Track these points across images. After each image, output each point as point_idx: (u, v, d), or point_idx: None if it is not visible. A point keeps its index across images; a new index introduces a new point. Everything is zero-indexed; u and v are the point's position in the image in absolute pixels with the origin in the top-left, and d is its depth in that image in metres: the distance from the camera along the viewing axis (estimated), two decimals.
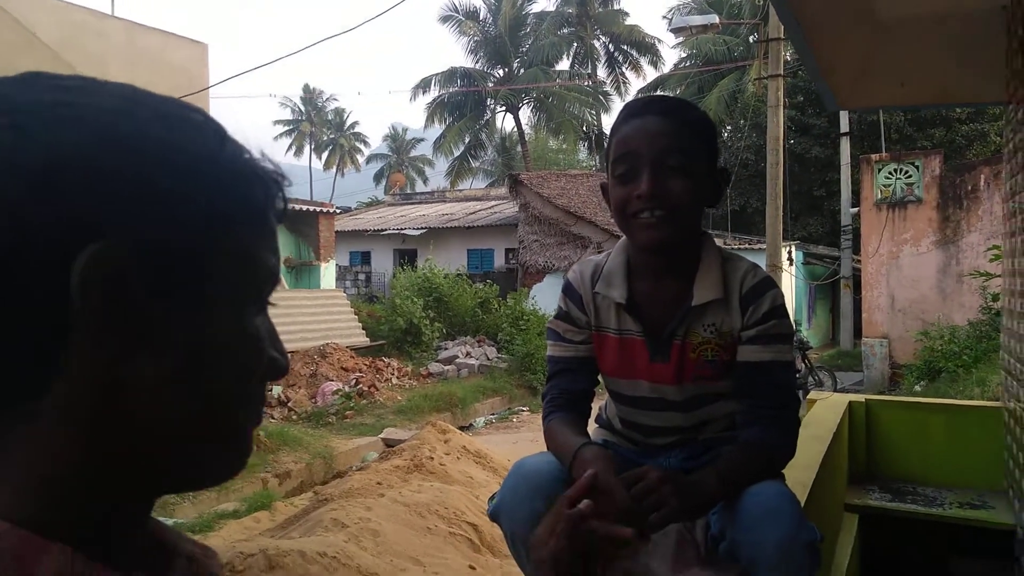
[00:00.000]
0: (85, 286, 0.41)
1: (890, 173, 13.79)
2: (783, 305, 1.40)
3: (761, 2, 22.11)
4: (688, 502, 1.20)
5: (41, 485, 0.43)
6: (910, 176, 13.67)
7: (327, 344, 13.42)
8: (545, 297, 17.97)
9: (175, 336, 0.45)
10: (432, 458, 6.53)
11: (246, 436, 0.52)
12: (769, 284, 1.40)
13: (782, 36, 12.61)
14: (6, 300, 0.41)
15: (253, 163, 0.51)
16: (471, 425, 11.95)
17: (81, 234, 0.41)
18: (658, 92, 29.91)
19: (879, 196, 13.86)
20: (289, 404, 11.16)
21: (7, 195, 0.41)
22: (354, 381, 12.39)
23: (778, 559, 1.18)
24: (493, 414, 12.95)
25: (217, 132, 0.50)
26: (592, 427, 1.58)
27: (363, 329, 16.39)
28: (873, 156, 14.46)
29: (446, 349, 15.80)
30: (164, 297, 0.45)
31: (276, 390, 11.33)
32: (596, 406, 1.59)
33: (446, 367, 14.64)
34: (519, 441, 9.99)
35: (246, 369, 0.50)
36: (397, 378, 13.64)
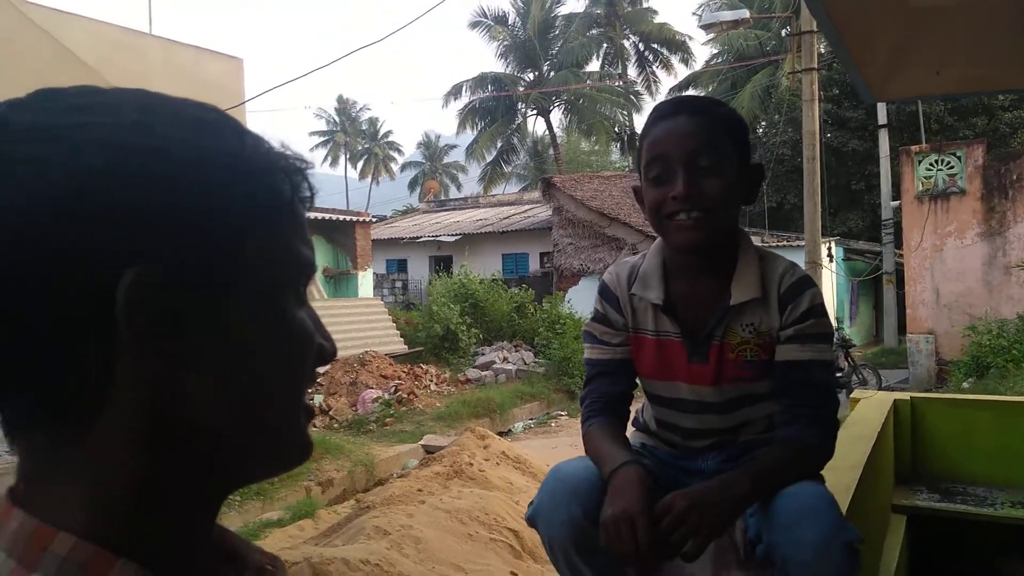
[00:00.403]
0: (129, 309, 0.42)
1: (931, 164, 13.47)
2: (822, 304, 1.39)
3: None
4: (719, 519, 1.18)
5: (102, 500, 0.44)
6: (952, 167, 13.34)
7: (366, 352, 13.56)
8: (581, 300, 17.91)
9: (220, 342, 0.46)
10: (472, 464, 6.55)
11: (303, 427, 0.53)
12: (807, 283, 1.39)
13: (814, 29, 12.41)
14: (51, 328, 0.42)
15: (274, 155, 0.51)
16: (510, 430, 11.95)
17: (117, 258, 0.42)
18: (690, 89, 29.68)
19: (920, 188, 13.55)
20: (330, 412, 11.30)
21: (36, 226, 0.41)
22: (393, 388, 12.49)
23: (815, 560, 1.16)
24: (531, 419, 12.94)
25: (235, 130, 0.50)
26: (630, 430, 1.57)
27: (401, 336, 16.53)
28: (913, 148, 14.15)
29: (483, 355, 15.84)
30: (205, 305, 0.45)
31: (317, 399, 11.48)
32: (634, 409, 1.58)
33: (484, 373, 14.68)
34: (558, 446, 9.97)
35: (295, 362, 0.51)
36: (435, 384, 13.72)
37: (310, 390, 0.54)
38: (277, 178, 0.50)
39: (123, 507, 0.45)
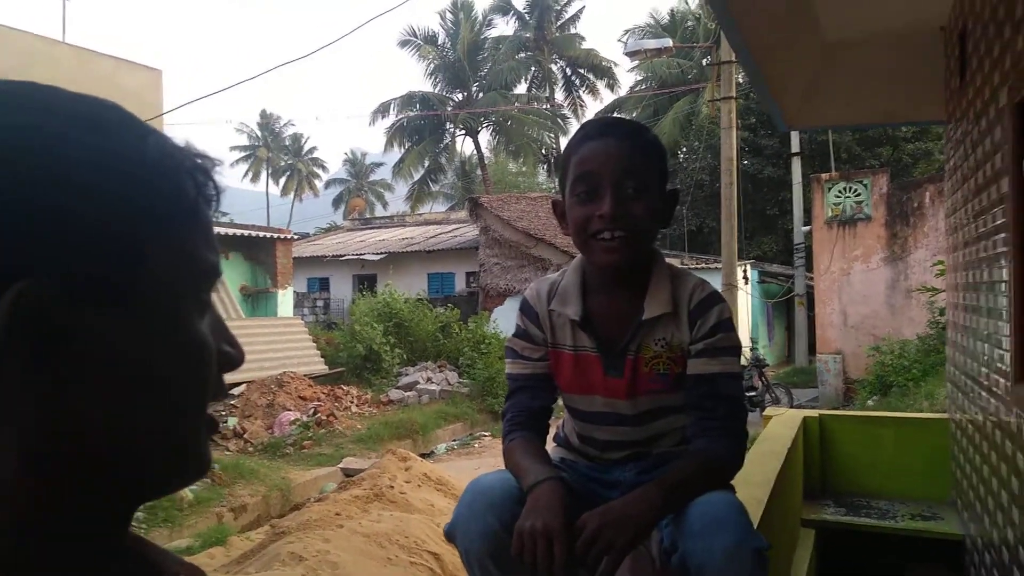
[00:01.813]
0: (12, 326, 0.39)
1: (839, 192, 14.16)
2: (730, 319, 1.43)
3: (714, 26, 22.65)
4: (633, 532, 1.20)
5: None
6: (859, 194, 14.06)
7: (284, 373, 13.19)
8: (506, 320, 17.94)
9: (114, 357, 0.43)
10: (392, 487, 6.43)
11: (204, 441, 0.50)
12: (716, 298, 1.43)
13: (733, 59, 12.91)
14: None
15: (178, 153, 0.48)
16: (432, 452, 11.82)
17: (2, 275, 0.39)
18: (615, 114, 30.40)
19: (830, 214, 14.21)
20: (245, 435, 10.91)
21: None
22: (312, 410, 12.18)
23: (726, 566, 1.19)
24: (455, 440, 12.84)
25: (136, 129, 0.47)
26: (550, 445, 1.59)
27: (322, 357, 16.16)
28: (823, 175, 14.85)
29: (407, 375, 15.65)
30: (97, 319, 0.42)
31: (232, 421, 11.08)
32: (555, 424, 1.59)
33: (407, 393, 14.49)
34: (481, 467, 9.91)
35: (195, 375, 0.48)
36: (356, 406, 13.45)
37: (217, 402, 0.51)
38: (180, 179, 0.47)
39: (12, 527, 0.42)
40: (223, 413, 11.14)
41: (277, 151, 53.38)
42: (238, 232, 17.03)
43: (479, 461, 10.80)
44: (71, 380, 0.42)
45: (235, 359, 0.51)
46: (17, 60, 9.75)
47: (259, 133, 53.31)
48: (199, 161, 0.49)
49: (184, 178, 0.47)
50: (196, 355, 0.48)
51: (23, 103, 0.43)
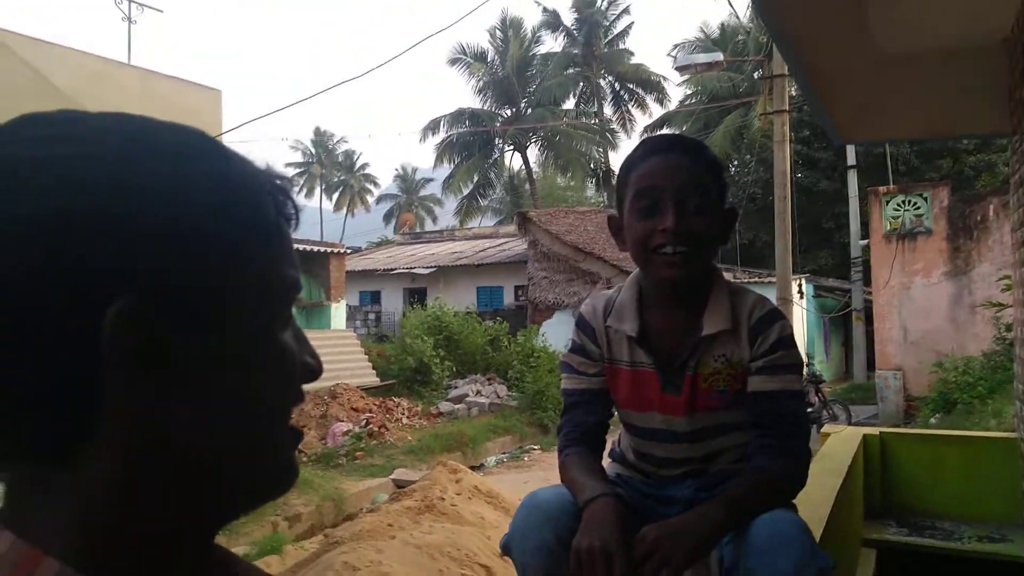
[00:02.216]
0: (115, 341, 0.42)
1: (898, 205, 13.81)
2: (791, 336, 1.42)
3: (765, 39, 22.41)
4: (694, 546, 1.19)
5: (89, 527, 0.44)
6: (918, 207, 13.69)
7: (337, 384, 13.41)
8: (555, 334, 17.92)
9: (208, 369, 0.46)
10: (443, 499, 6.47)
11: (291, 451, 0.52)
12: (777, 315, 1.42)
13: (786, 72, 12.74)
14: (37, 361, 0.42)
15: (259, 176, 0.51)
16: (482, 465, 11.85)
17: (103, 291, 0.42)
18: (664, 128, 30.18)
19: (888, 228, 13.86)
20: (299, 446, 11.11)
21: (22, 260, 0.41)
22: (364, 421, 12.34)
23: None
24: (504, 453, 12.85)
25: (220, 153, 0.49)
26: (606, 461, 1.58)
27: (373, 369, 16.38)
28: (881, 188, 14.50)
29: (456, 388, 15.74)
30: (192, 334, 0.45)
31: None
32: (611, 440, 1.60)
33: (456, 406, 14.57)
34: (531, 480, 9.89)
35: (282, 385, 0.50)
36: (407, 418, 13.58)
37: (297, 409, 0.54)
38: (262, 199, 0.50)
39: (109, 534, 0.44)
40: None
41: (330, 167, 54.47)
42: (294, 247, 17.39)
43: (529, 474, 10.79)
44: (169, 391, 0.44)
45: (315, 369, 0.53)
46: (85, 82, 10.17)
47: (313, 150, 54.47)
48: (278, 182, 0.52)
49: (266, 198, 0.50)
50: (282, 367, 0.50)
51: (119, 133, 0.46)
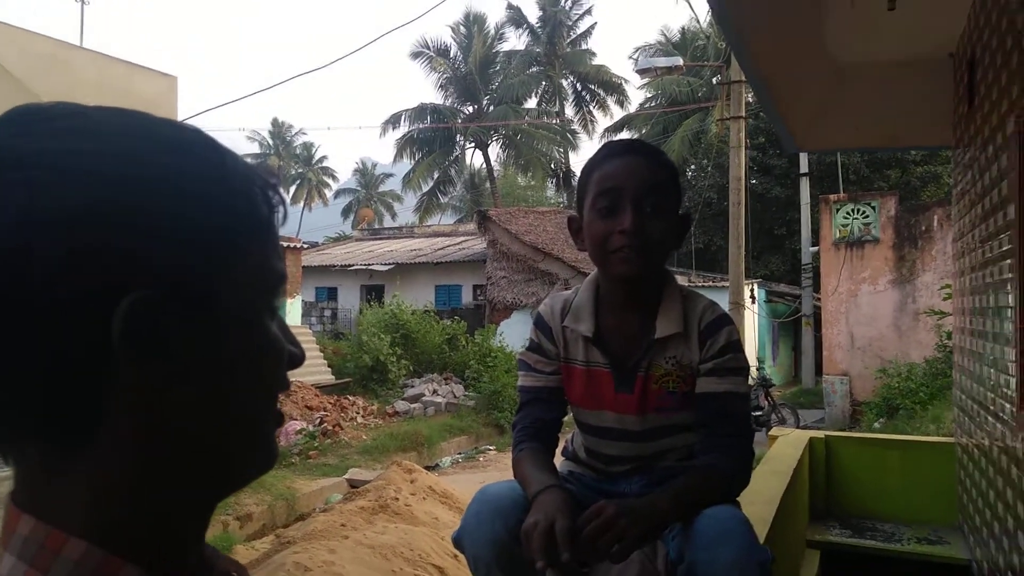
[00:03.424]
0: (123, 333, 0.43)
1: (848, 213, 14.17)
2: (739, 340, 1.48)
3: (724, 46, 22.77)
4: (644, 528, 1.23)
5: (106, 507, 0.46)
6: (867, 216, 14.06)
7: (291, 382, 13.22)
8: (513, 333, 17.95)
9: (207, 358, 0.48)
10: (397, 499, 6.44)
11: (273, 438, 0.55)
12: (725, 320, 1.48)
13: (743, 79, 12.97)
14: (52, 349, 0.43)
15: (251, 171, 0.53)
16: (437, 465, 11.81)
17: (110, 284, 0.43)
18: (624, 130, 30.51)
19: (837, 235, 14.21)
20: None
21: (30, 253, 0.42)
22: (318, 420, 12.21)
23: None
24: (460, 453, 12.83)
25: (216, 149, 0.51)
26: (559, 459, 1.62)
27: (328, 367, 16.21)
28: (831, 196, 14.87)
29: (413, 387, 15.67)
30: (194, 326, 0.47)
31: None
32: (564, 439, 1.63)
33: (412, 405, 14.50)
34: (486, 481, 9.79)
35: (271, 375, 0.53)
36: (362, 417, 13.47)
37: (282, 395, 0.56)
38: (255, 195, 0.52)
39: (125, 515, 0.46)
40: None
41: (288, 159, 53.66)
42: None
43: (484, 475, 10.79)
44: (173, 377, 0.46)
45: (298, 358, 0.56)
46: (36, 64, 9.86)
47: (271, 141, 53.59)
48: (268, 177, 0.54)
49: (257, 194, 0.52)
50: (271, 355, 0.52)
51: (120, 129, 0.47)
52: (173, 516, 0.49)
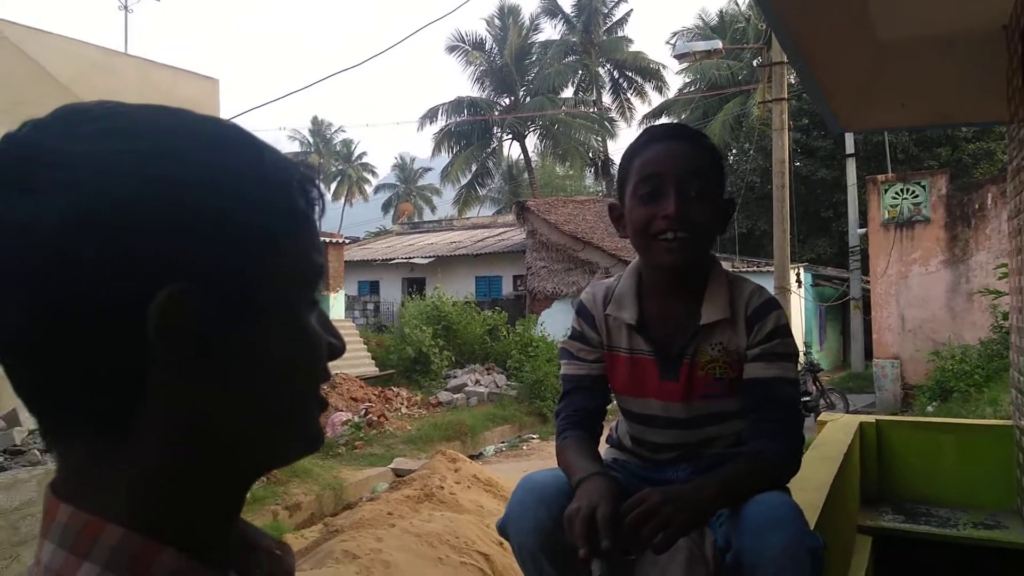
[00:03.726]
0: (161, 328, 0.44)
1: (896, 193, 13.80)
2: (787, 324, 1.45)
3: (764, 27, 22.32)
4: (689, 516, 1.21)
5: (143, 495, 0.47)
6: (917, 196, 13.68)
7: (336, 374, 13.42)
8: (554, 323, 17.94)
9: (246, 353, 0.49)
10: (442, 487, 6.50)
11: (317, 418, 0.56)
12: (773, 304, 1.44)
13: (785, 60, 12.69)
14: (92, 343, 0.44)
15: (289, 166, 0.53)
16: (481, 454, 11.89)
17: (150, 279, 0.44)
18: (663, 117, 30.14)
19: (886, 216, 13.86)
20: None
21: (73, 249, 0.43)
22: (363, 411, 12.38)
23: (781, 565, 1.19)
24: (503, 442, 12.89)
25: (255, 145, 0.51)
26: (603, 447, 1.61)
27: (372, 359, 16.41)
28: (879, 177, 14.50)
29: (455, 377, 15.77)
30: (233, 320, 0.48)
31: None
32: (608, 427, 1.62)
33: (455, 395, 14.60)
34: (529, 469, 9.80)
35: (310, 367, 0.54)
36: (407, 407, 13.62)
37: (327, 387, 0.56)
38: (294, 190, 0.52)
39: (163, 501, 0.48)
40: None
41: (328, 157, 54.30)
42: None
43: (527, 463, 10.83)
44: (212, 372, 0.47)
45: (338, 349, 0.57)
46: (82, 71, 10.14)
47: (311, 139, 54.29)
48: (306, 172, 0.55)
49: (295, 189, 0.53)
50: (311, 347, 0.53)
51: (160, 127, 0.48)
52: (210, 501, 0.50)
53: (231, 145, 0.50)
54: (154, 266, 0.44)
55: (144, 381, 0.46)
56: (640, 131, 1.50)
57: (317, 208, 0.55)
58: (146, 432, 0.47)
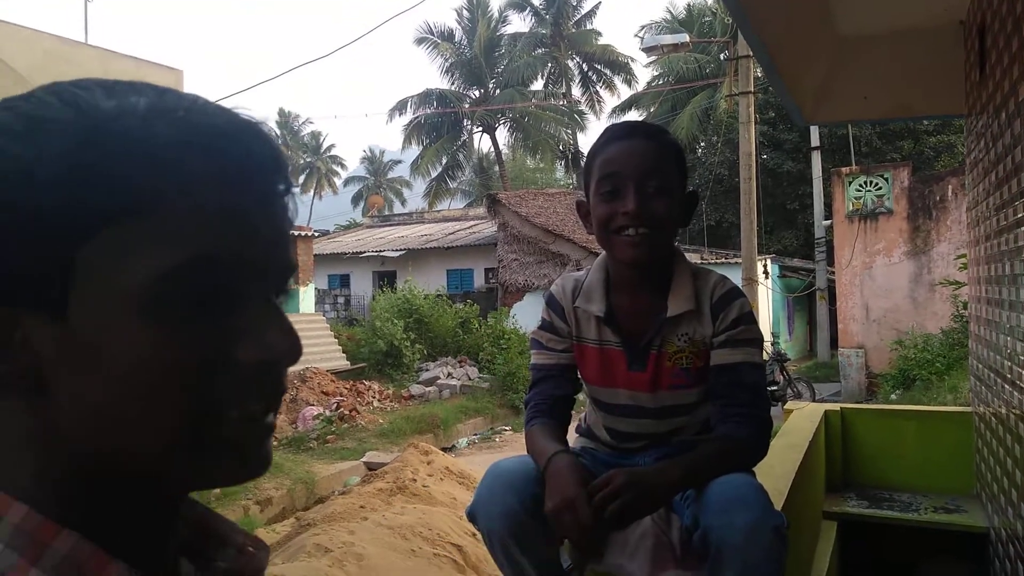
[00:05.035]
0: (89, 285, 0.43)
1: (860, 185, 14.04)
2: (751, 312, 1.49)
3: (731, 21, 22.49)
4: (653, 494, 1.28)
5: (47, 476, 0.46)
6: (880, 188, 13.93)
7: (307, 369, 13.34)
8: (525, 315, 17.98)
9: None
10: (415, 480, 6.50)
11: (245, 438, 0.48)
12: (737, 293, 1.49)
13: (751, 54, 12.82)
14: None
15: (265, 146, 0.51)
16: (454, 446, 11.90)
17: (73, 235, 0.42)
18: (632, 109, 30.30)
19: (851, 208, 14.10)
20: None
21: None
22: (335, 405, 12.31)
23: (746, 542, 1.23)
24: (476, 434, 12.92)
25: (209, 112, 0.49)
26: (572, 436, 1.64)
27: (343, 352, 16.31)
28: (844, 169, 14.73)
29: (427, 370, 15.75)
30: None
31: None
32: (577, 416, 1.66)
33: (427, 388, 14.59)
34: None
35: (245, 373, 0.48)
36: (378, 401, 13.57)
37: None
38: (266, 177, 0.49)
39: (64, 484, 0.46)
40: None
41: (296, 149, 53.69)
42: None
43: (500, 454, 10.85)
44: (120, 364, 0.43)
45: (280, 351, 0.51)
46: (41, 61, 9.90)
47: (278, 131, 53.57)
48: (274, 154, 0.52)
49: (266, 177, 0.51)
50: (247, 349, 0.48)
51: (147, 100, 0.46)
52: (126, 496, 0.47)
53: (200, 117, 0.47)
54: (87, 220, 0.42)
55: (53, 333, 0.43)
56: (606, 126, 1.53)
57: (289, 202, 0.52)
58: (41, 411, 0.44)
